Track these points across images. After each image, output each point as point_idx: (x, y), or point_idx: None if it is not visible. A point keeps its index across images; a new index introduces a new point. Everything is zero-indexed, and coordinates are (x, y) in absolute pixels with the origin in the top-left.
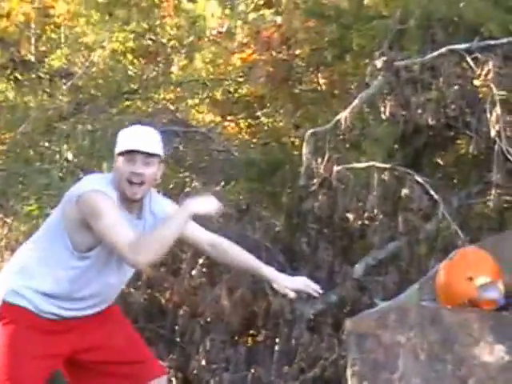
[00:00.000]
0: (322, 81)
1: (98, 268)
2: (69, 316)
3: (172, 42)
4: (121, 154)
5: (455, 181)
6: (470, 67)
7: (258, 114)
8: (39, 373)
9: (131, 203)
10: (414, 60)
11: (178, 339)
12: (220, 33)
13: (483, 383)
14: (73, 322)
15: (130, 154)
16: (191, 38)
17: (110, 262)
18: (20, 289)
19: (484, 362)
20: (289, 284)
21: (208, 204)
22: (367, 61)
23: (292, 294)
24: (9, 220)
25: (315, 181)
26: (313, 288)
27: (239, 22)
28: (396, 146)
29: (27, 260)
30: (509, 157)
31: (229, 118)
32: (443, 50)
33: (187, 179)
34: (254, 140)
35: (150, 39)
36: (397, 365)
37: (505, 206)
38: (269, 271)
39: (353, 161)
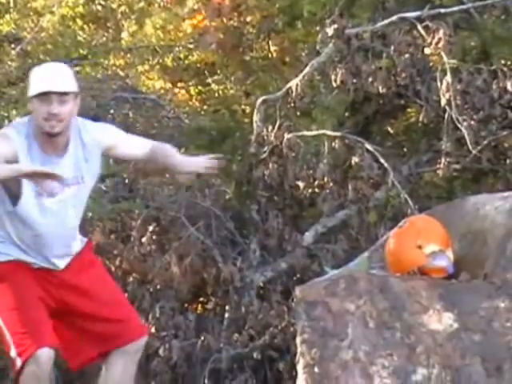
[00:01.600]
0: (272, 48)
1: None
2: (39, 263)
3: (122, 8)
4: (35, 96)
5: (405, 149)
6: (421, 35)
7: (209, 80)
8: (47, 317)
9: (53, 138)
10: (365, 28)
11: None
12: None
13: (431, 350)
14: (53, 274)
15: (44, 95)
16: (141, 4)
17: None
18: None
19: (432, 329)
20: (186, 166)
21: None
22: (318, 28)
23: (182, 178)
24: None
25: (266, 148)
26: (210, 164)
27: None
28: (346, 114)
29: None
30: (458, 125)
31: (179, 84)
32: (394, 18)
33: None
34: (205, 107)
35: (100, 4)
36: (346, 332)
37: (454, 174)
38: (178, 158)
39: (303, 129)
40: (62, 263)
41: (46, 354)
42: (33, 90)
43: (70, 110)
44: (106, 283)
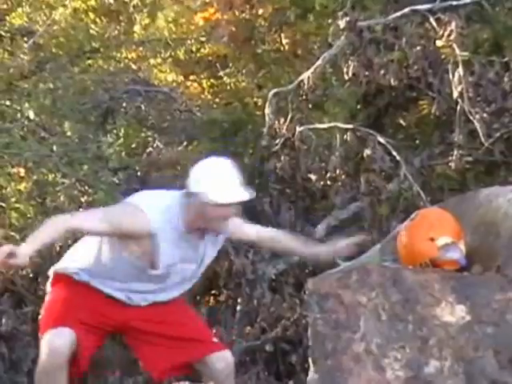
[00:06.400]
0: (284, 41)
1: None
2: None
3: (134, 1)
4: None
5: (417, 142)
6: (433, 28)
7: (221, 73)
8: (82, 323)
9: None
10: (377, 20)
11: None
12: None
13: (444, 343)
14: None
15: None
16: None
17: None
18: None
19: (445, 321)
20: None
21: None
22: (330, 21)
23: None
24: None
25: (278, 141)
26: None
27: None
28: (358, 107)
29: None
30: (471, 118)
31: (191, 77)
32: (406, 10)
33: (149, 139)
34: (217, 100)
35: None
36: (358, 325)
37: (466, 166)
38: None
39: (315, 121)
40: (143, 303)
41: (61, 336)
42: (215, 197)
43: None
44: (178, 308)
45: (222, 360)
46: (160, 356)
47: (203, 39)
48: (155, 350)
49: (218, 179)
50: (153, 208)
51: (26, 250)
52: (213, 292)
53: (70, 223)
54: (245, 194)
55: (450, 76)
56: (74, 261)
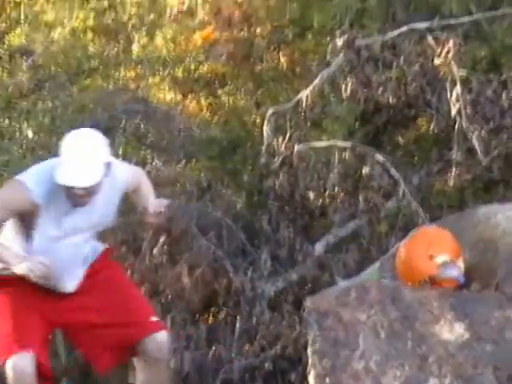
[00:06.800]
0: (282, 59)
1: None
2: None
3: (133, 21)
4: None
5: (416, 159)
6: (431, 46)
7: (219, 92)
8: (38, 328)
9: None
10: (375, 38)
11: None
12: (181, 11)
13: (443, 360)
14: (60, 296)
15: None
16: (152, 16)
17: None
18: None
19: (444, 339)
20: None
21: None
22: (328, 39)
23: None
24: None
25: (276, 159)
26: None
27: (200, 0)
28: (357, 125)
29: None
30: (469, 135)
31: (190, 96)
32: (404, 28)
33: (148, 157)
34: (215, 118)
35: (111, 17)
36: (357, 342)
37: (465, 184)
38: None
39: (314, 139)
40: (71, 287)
41: (23, 358)
42: (58, 178)
43: (96, 187)
44: (115, 288)
45: (155, 341)
46: (99, 346)
47: (202, 58)
48: (94, 341)
49: (67, 159)
50: (39, 178)
51: (15, 258)
52: (212, 310)
53: None
54: (87, 179)
55: (448, 94)
56: None
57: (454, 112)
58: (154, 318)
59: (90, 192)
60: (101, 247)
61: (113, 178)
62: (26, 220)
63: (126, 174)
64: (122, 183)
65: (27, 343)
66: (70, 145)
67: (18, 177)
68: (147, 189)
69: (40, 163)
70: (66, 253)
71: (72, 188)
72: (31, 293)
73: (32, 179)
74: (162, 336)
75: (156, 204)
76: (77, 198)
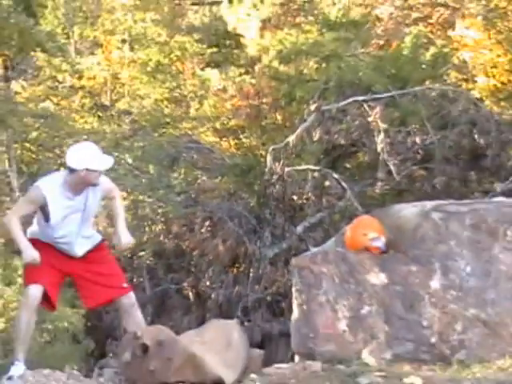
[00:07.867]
0: (279, 117)
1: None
2: (62, 249)
3: (190, 94)
4: (88, 169)
5: (356, 177)
6: (366, 110)
7: (241, 136)
8: (54, 274)
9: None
10: (333, 105)
11: (193, 269)
12: (219, 89)
13: (372, 296)
14: (72, 257)
15: (95, 171)
16: (202, 92)
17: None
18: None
19: (373, 283)
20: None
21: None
22: (305, 106)
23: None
24: None
25: (274, 177)
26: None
27: (230, 82)
28: (322, 156)
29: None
30: (388, 163)
31: (224, 139)
32: (350, 100)
33: (199, 175)
34: (239, 152)
35: (178, 92)
36: (322, 285)
37: (385, 192)
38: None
39: (296, 165)
40: (80, 252)
41: (36, 288)
42: (88, 165)
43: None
44: (107, 263)
45: (127, 298)
46: (93, 292)
47: (230, 116)
48: (89, 289)
49: (89, 154)
50: (46, 182)
51: (26, 249)
52: (236, 265)
53: (14, 215)
54: (107, 162)
55: (376, 138)
56: (32, 230)
57: (379, 149)
58: (125, 285)
59: (100, 174)
60: (100, 237)
61: (100, 182)
62: (44, 211)
63: (108, 183)
64: (104, 185)
65: (41, 281)
66: (87, 150)
67: (37, 182)
68: (118, 203)
69: (51, 174)
70: (73, 226)
71: (95, 171)
72: (54, 253)
73: (41, 181)
74: (131, 295)
75: (125, 242)
76: (94, 178)
